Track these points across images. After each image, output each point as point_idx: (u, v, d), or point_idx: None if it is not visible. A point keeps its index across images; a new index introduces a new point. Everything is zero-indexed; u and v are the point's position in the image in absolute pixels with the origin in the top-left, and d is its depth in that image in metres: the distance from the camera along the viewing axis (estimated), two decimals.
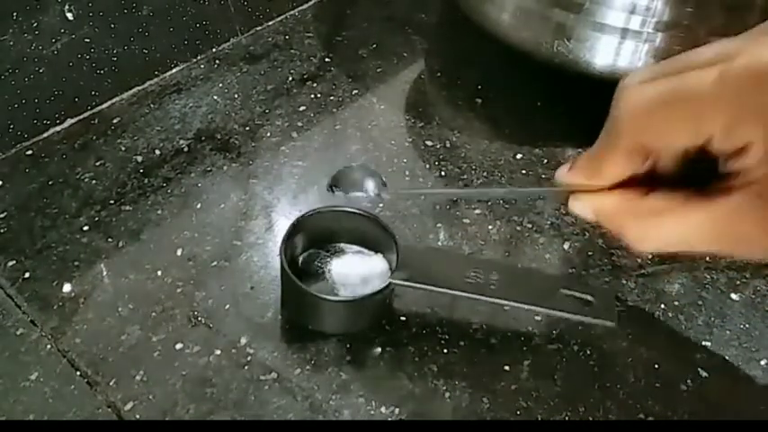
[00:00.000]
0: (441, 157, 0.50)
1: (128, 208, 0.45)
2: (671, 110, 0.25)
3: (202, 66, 0.57)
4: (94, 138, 0.49)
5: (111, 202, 0.45)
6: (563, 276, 0.43)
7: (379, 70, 0.58)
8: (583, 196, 0.29)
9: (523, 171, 0.49)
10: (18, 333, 0.37)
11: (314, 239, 0.41)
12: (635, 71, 0.27)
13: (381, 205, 0.45)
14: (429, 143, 0.51)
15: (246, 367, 0.37)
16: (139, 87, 0.54)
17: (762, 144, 0.24)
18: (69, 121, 0.50)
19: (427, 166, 0.49)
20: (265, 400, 0.35)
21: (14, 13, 0.44)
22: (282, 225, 0.44)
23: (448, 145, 0.51)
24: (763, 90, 0.23)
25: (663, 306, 0.41)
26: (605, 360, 0.38)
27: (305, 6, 0.64)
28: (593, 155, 0.28)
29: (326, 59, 0.59)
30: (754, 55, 0.23)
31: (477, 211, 0.46)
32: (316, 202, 0.46)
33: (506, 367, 0.38)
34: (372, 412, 0.35)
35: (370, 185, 0.38)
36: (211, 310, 0.39)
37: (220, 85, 0.55)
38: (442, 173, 0.49)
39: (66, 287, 0.40)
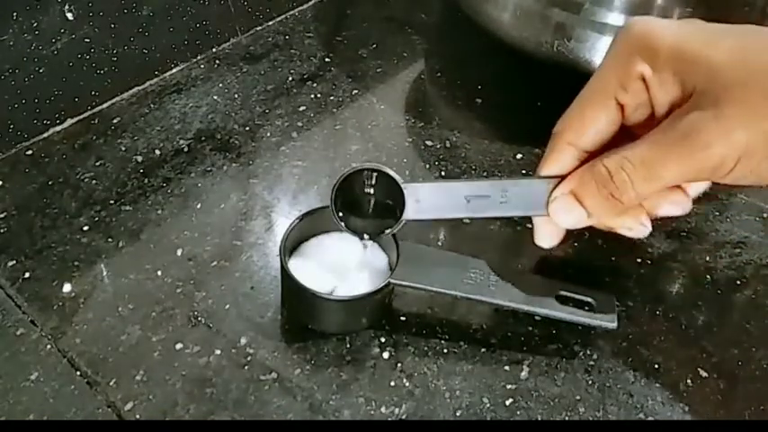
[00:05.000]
0: (441, 157, 0.50)
1: (128, 208, 0.45)
2: (580, 104, 0.32)
3: (202, 66, 0.57)
4: (94, 138, 0.49)
5: (111, 202, 0.45)
6: (563, 277, 0.43)
7: (379, 70, 0.58)
8: (556, 190, 0.33)
9: (523, 171, 0.49)
10: (18, 333, 0.37)
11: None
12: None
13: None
14: (429, 143, 0.51)
15: (246, 367, 0.37)
16: (139, 87, 0.54)
17: (651, 68, 0.29)
18: (69, 121, 0.50)
19: (427, 166, 0.49)
20: (265, 400, 0.35)
21: (14, 13, 0.45)
22: (282, 225, 0.44)
23: (448, 145, 0.51)
24: (627, 33, 0.30)
25: (663, 306, 0.41)
26: (605, 360, 0.38)
27: (305, 6, 0.64)
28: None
29: (326, 59, 0.59)
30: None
31: None
32: (316, 202, 0.46)
33: (506, 367, 0.38)
34: (372, 412, 0.35)
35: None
36: (211, 310, 0.39)
37: (220, 85, 0.55)
38: (442, 173, 0.49)
39: (67, 287, 0.40)
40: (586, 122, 0.31)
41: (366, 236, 0.37)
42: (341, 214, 0.36)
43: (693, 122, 0.28)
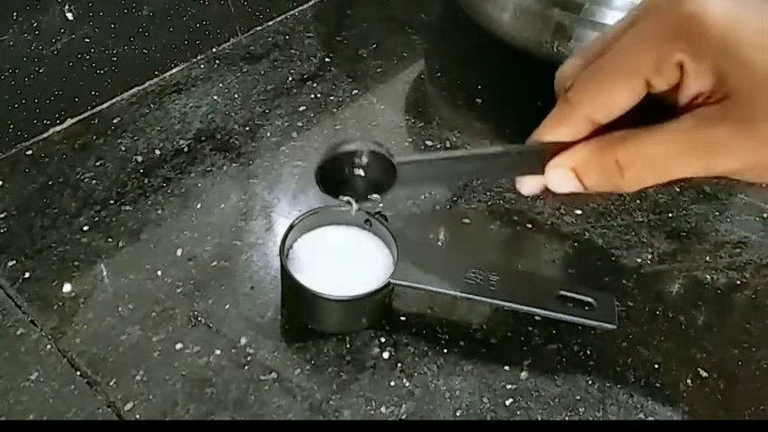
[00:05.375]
0: None
1: (128, 208, 0.45)
2: (605, 76, 0.28)
3: (202, 66, 0.57)
4: (94, 138, 0.49)
5: (111, 202, 0.45)
6: (563, 277, 0.43)
7: (379, 70, 0.58)
8: (556, 160, 0.31)
9: None
10: (18, 333, 0.37)
11: None
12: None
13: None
14: (429, 143, 0.51)
15: (246, 367, 0.37)
16: (139, 87, 0.54)
17: (691, 58, 0.26)
18: (69, 121, 0.50)
19: None
20: (265, 400, 0.35)
21: (14, 13, 0.45)
22: (282, 225, 0.44)
23: (448, 145, 0.51)
24: (672, 9, 0.26)
25: (663, 306, 0.41)
26: (605, 360, 0.38)
27: (305, 6, 0.64)
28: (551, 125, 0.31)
29: (326, 59, 0.59)
30: None
31: (478, 211, 0.46)
32: (316, 202, 0.46)
33: (506, 367, 0.38)
34: (372, 412, 0.35)
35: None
36: (211, 310, 0.39)
37: (220, 85, 0.55)
38: None
39: (67, 287, 0.40)
40: (614, 101, 0.29)
41: (349, 198, 0.34)
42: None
43: (720, 135, 0.26)
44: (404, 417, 0.35)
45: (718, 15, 0.25)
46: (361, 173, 0.33)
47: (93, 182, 0.46)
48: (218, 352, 0.37)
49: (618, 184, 0.29)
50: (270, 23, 0.62)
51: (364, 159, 0.32)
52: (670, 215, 0.47)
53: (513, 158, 0.32)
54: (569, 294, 0.38)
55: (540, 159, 0.31)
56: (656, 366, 0.38)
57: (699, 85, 0.27)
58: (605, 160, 0.29)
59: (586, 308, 0.38)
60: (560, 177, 0.31)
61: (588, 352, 0.39)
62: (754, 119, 0.26)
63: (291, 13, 0.64)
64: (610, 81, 0.28)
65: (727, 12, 0.25)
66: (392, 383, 0.36)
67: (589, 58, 0.30)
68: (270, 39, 0.60)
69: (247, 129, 0.51)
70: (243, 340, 0.38)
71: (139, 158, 0.48)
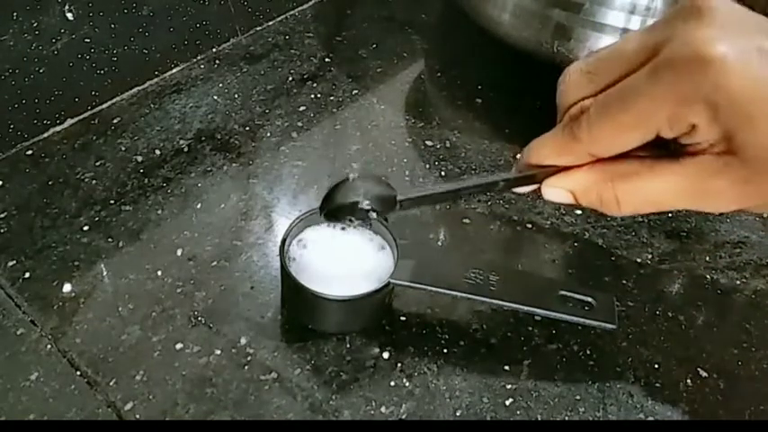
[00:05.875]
0: (441, 157, 0.50)
1: (128, 208, 0.45)
2: (615, 122, 0.28)
3: (202, 66, 0.57)
4: (94, 138, 0.49)
5: (111, 202, 0.45)
6: (563, 277, 0.43)
7: (379, 70, 0.58)
8: (555, 180, 0.31)
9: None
10: (18, 333, 0.37)
11: None
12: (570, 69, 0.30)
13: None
14: (429, 143, 0.51)
15: (246, 367, 0.37)
16: (139, 87, 0.54)
17: (706, 122, 0.26)
18: (69, 121, 0.50)
19: (427, 166, 0.50)
20: (265, 400, 0.35)
21: (14, 13, 0.45)
22: (282, 225, 0.44)
23: (448, 145, 0.51)
24: (695, 74, 0.25)
25: (663, 306, 0.41)
26: (605, 360, 0.38)
27: (305, 6, 0.64)
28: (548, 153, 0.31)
29: (326, 59, 0.59)
30: (680, 42, 0.25)
31: (478, 211, 0.46)
32: (316, 202, 0.46)
33: (506, 367, 0.38)
34: (372, 412, 0.35)
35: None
36: (211, 310, 0.39)
37: (220, 85, 0.55)
38: (442, 173, 0.49)
39: (67, 287, 0.40)
40: (621, 145, 0.29)
41: (352, 220, 0.35)
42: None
43: (719, 186, 0.27)
44: (404, 417, 0.35)
45: (742, 87, 0.25)
46: (365, 205, 0.34)
47: (93, 182, 0.46)
48: (218, 352, 0.37)
49: (612, 211, 0.30)
50: (270, 23, 0.62)
51: (368, 203, 0.33)
52: (670, 215, 0.47)
53: (509, 183, 0.33)
54: (569, 294, 0.38)
55: (536, 178, 0.32)
56: (656, 366, 0.38)
57: (706, 138, 0.27)
58: (605, 194, 0.30)
59: (586, 308, 0.38)
60: (557, 194, 0.32)
61: (588, 352, 0.39)
62: (753, 178, 0.26)
63: (291, 13, 0.64)
64: (621, 129, 0.28)
65: (751, 80, 0.25)
66: (392, 383, 0.36)
67: (596, 81, 0.29)
68: (270, 39, 0.60)
69: (247, 129, 0.51)
70: (243, 340, 0.38)
71: (139, 158, 0.48)
